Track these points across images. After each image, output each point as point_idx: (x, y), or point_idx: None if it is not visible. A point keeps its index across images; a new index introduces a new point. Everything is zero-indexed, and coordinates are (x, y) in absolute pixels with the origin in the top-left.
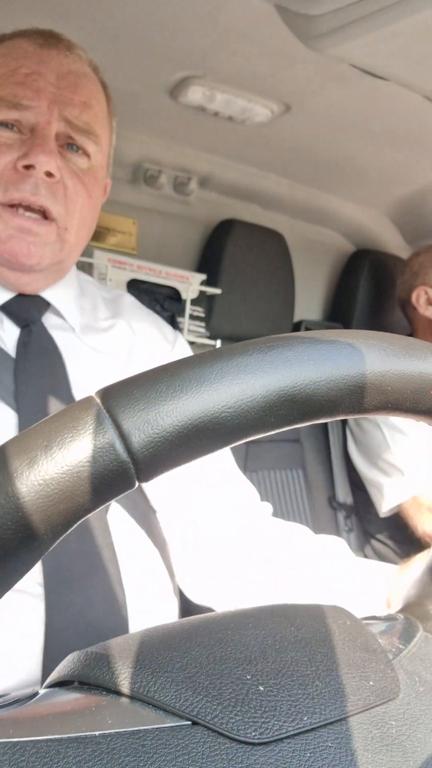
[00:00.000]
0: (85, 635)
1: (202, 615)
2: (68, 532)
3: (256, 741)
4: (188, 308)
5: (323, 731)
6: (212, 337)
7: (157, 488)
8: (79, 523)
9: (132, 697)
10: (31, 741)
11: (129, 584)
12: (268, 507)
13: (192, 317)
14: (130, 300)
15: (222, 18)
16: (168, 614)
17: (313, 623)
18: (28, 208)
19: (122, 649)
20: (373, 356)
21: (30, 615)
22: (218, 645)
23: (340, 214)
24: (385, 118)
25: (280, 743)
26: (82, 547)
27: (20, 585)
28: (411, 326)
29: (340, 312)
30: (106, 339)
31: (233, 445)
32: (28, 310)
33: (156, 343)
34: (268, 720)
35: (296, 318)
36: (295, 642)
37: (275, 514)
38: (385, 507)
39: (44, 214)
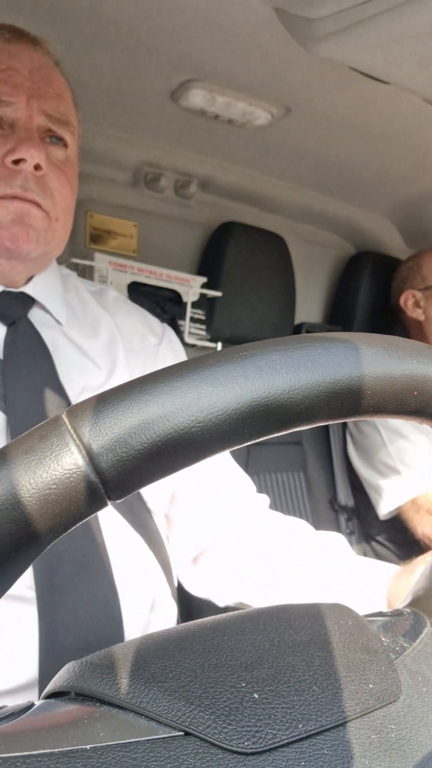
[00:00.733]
0: (80, 637)
1: (199, 620)
2: (39, 555)
3: (249, 751)
4: (189, 311)
5: (319, 738)
6: (213, 339)
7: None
8: (50, 545)
9: (125, 708)
10: (23, 756)
11: (122, 585)
12: (265, 499)
13: (193, 320)
14: (114, 295)
15: (222, 21)
16: (165, 615)
17: (312, 625)
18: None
19: (118, 659)
20: (351, 360)
21: (23, 619)
22: (214, 652)
23: (340, 216)
24: (386, 121)
25: (273, 752)
26: (72, 549)
27: (11, 590)
28: (405, 329)
29: (340, 314)
30: (93, 334)
31: (208, 458)
32: (13, 307)
33: (143, 338)
34: (261, 729)
35: (297, 320)
36: (293, 646)
37: None
38: (384, 509)
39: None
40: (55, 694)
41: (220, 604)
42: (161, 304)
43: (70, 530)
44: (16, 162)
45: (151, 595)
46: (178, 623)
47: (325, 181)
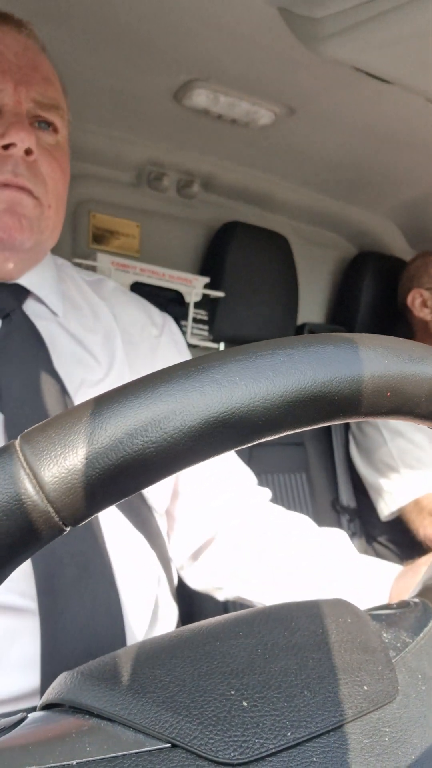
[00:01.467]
0: (82, 643)
1: (194, 624)
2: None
3: (236, 762)
4: (191, 311)
5: (308, 746)
6: (215, 340)
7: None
8: (8, 577)
9: (113, 721)
10: None
11: (125, 587)
12: (267, 493)
13: (195, 320)
14: (112, 285)
15: (226, 21)
16: (166, 615)
17: (309, 625)
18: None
19: (110, 669)
20: (315, 366)
21: (25, 626)
22: (204, 659)
23: (343, 217)
24: (389, 122)
25: (260, 762)
26: (73, 553)
27: (11, 597)
28: (410, 329)
29: (343, 315)
30: (90, 325)
31: (169, 477)
32: (7, 299)
33: (143, 329)
34: (249, 738)
35: (300, 321)
36: (286, 649)
37: None
38: (386, 511)
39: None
40: (50, 705)
41: (220, 598)
42: (164, 304)
43: (30, 556)
44: (6, 147)
45: (153, 597)
46: (178, 623)
47: (328, 181)
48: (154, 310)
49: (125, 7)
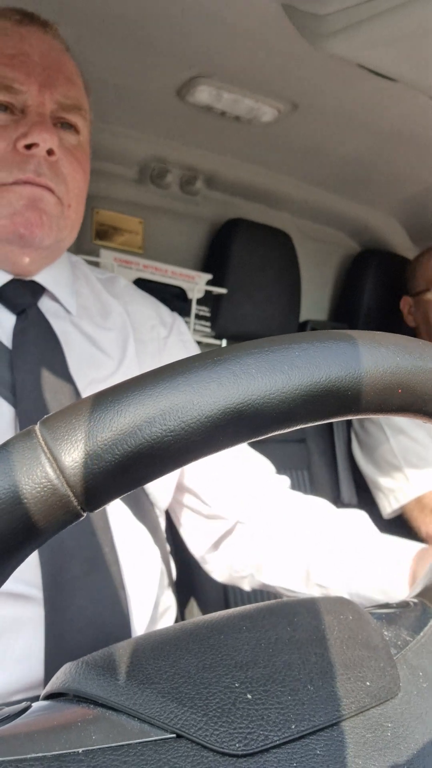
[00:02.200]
0: (87, 635)
1: (197, 618)
2: (12, 572)
3: (240, 753)
4: (194, 308)
5: (312, 739)
6: (218, 336)
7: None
8: (24, 560)
9: (119, 710)
10: (15, 760)
11: (130, 581)
12: (285, 480)
13: (198, 317)
14: (124, 282)
15: (229, 18)
16: (167, 608)
17: (312, 621)
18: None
19: (115, 659)
20: (330, 360)
21: (30, 618)
22: (209, 651)
23: (346, 213)
24: (393, 119)
25: (265, 754)
26: (82, 546)
27: (17, 588)
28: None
29: (346, 312)
30: (103, 323)
31: (183, 466)
32: (23, 295)
33: (153, 328)
34: (254, 730)
35: (302, 318)
36: (290, 643)
37: None
38: (388, 508)
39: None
40: (54, 695)
41: (246, 587)
42: (166, 300)
43: (48, 540)
44: (29, 147)
45: (156, 591)
46: (177, 617)
47: (331, 178)
48: (164, 309)
49: (128, 4)
